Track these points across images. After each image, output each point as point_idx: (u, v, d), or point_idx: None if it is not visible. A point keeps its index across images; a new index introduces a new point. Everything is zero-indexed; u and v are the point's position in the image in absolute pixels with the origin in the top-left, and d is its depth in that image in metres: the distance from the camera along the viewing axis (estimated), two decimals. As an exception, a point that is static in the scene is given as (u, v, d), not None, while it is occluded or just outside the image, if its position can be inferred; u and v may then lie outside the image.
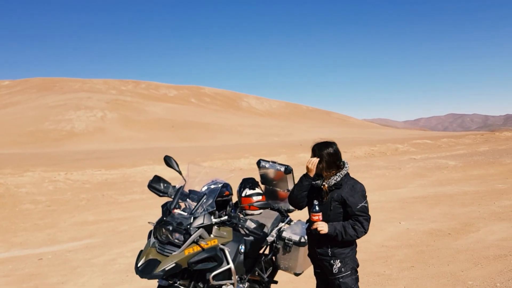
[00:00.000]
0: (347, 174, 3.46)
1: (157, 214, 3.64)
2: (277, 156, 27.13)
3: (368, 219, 3.36)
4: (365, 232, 3.36)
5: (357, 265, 3.53)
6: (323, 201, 3.40)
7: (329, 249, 3.42)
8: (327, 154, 3.39)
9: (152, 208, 12.59)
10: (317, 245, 3.49)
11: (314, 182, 3.45)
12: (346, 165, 3.48)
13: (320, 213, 3.34)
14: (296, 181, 4.57)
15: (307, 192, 3.52)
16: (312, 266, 3.77)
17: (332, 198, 3.38)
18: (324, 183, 3.39)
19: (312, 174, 3.43)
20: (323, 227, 3.31)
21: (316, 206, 3.34)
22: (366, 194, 3.43)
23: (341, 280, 3.40)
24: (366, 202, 3.38)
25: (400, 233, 8.06)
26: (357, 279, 3.48)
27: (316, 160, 3.39)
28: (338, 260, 3.41)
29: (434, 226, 8.31)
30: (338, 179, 3.38)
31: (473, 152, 26.40)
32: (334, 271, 3.41)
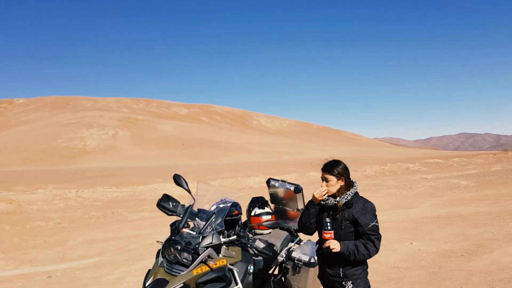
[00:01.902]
0: (357, 193, 3.44)
1: (167, 232, 3.62)
2: (287, 174, 27.06)
3: (379, 238, 3.33)
4: (377, 251, 3.32)
5: (369, 287, 3.47)
6: (336, 219, 3.36)
7: (341, 270, 3.36)
8: (343, 168, 3.40)
9: (161, 226, 12.56)
10: (328, 265, 3.43)
11: (324, 202, 3.43)
12: (355, 184, 3.46)
13: (332, 231, 3.30)
14: (305, 201, 4.55)
15: (317, 214, 3.50)
16: (322, 288, 3.71)
17: (343, 217, 3.34)
18: (338, 200, 3.35)
19: (317, 201, 3.42)
20: (335, 245, 3.26)
21: (328, 224, 3.31)
22: (376, 213, 3.40)
23: None
24: (377, 221, 3.35)
25: (412, 253, 7.93)
26: None
27: (325, 189, 3.38)
28: (350, 282, 3.35)
29: (446, 247, 8.17)
30: (349, 197, 3.35)
31: (485, 172, 26.10)
32: None
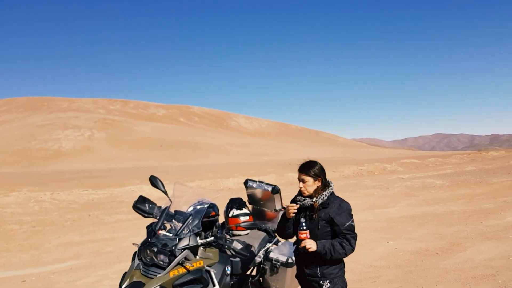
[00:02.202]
0: (333, 193, 3.48)
1: (144, 234, 3.59)
2: (266, 175, 27.10)
3: (355, 237, 3.38)
4: (353, 250, 3.37)
5: (346, 285, 3.51)
6: (313, 219, 3.39)
7: (318, 270, 3.40)
8: (320, 169, 3.45)
9: (138, 229, 12.43)
10: (305, 265, 3.47)
11: (301, 203, 3.46)
12: (331, 184, 3.51)
13: (308, 231, 3.35)
14: (283, 201, 4.56)
15: (292, 222, 3.59)
16: (299, 288, 3.73)
17: (320, 217, 3.39)
18: (314, 200, 3.39)
19: (289, 217, 3.52)
20: (311, 245, 3.30)
21: (303, 224, 3.35)
22: (352, 212, 3.45)
23: None
24: (353, 221, 3.41)
25: (389, 253, 8.04)
26: None
27: (294, 209, 3.45)
28: (328, 281, 3.39)
29: (422, 246, 8.31)
30: (325, 198, 3.40)
31: (460, 172, 26.61)
32: None
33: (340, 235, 3.35)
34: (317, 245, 3.31)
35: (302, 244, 3.33)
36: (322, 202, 3.39)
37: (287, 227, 3.60)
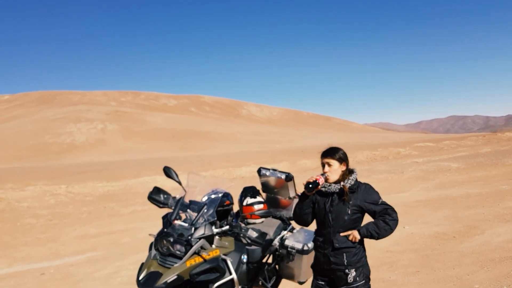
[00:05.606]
0: (356, 179, 3.43)
1: (160, 225, 3.60)
2: (279, 163, 27.06)
3: (393, 208, 3.36)
4: (396, 222, 3.36)
5: (369, 272, 3.46)
6: (343, 203, 3.32)
7: (344, 257, 3.33)
8: (344, 154, 3.42)
9: (154, 220, 12.52)
10: (331, 253, 3.37)
11: (324, 188, 3.37)
12: (355, 170, 3.47)
13: (323, 177, 3.32)
14: (297, 189, 4.53)
15: (311, 205, 3.46)
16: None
17: (349, 203, 3.33)
18: (343, 184, 3.33)
19: (308, 193, 3.37)
20: (355, 235, 3.30)
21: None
22: None
23: None
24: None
25: (405, 237, 7.99)
26: None
27: (322, 178, 3.33)
28: (353, 269, 3.33)
29: (438, 230, 8.24)
30: (352, 182, 3.35)
31: (475, 154, 26.32)
32: (349, 281, 3.32)
33: (380, 212, 3.33)
34: (359, 232, 3.31)
35: (348, 235, 3.30)
36: (350, 186, 3.33)
37: (305, 207, 3.43)
